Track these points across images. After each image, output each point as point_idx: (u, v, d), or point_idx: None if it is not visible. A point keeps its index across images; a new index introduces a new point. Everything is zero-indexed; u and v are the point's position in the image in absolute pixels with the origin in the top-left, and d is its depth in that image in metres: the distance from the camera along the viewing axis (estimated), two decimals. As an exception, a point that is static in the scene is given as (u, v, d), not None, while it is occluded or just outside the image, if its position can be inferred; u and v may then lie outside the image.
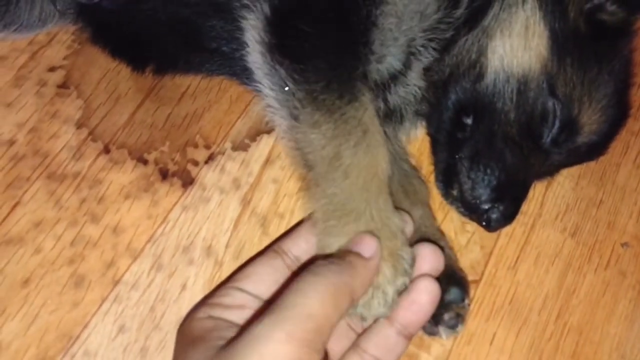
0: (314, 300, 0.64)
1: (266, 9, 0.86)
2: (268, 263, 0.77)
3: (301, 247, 0.79)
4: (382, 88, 0.92)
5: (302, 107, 0.81)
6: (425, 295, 0.74)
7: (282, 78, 0.83)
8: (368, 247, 0.72)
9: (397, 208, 0.82)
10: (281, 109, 0.84)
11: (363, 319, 0.75)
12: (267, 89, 0.86)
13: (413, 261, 0.77)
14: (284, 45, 0.84)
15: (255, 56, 0.87)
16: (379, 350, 0.73)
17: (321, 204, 0.79)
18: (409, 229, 0.82)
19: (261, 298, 0.74)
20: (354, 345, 0.75)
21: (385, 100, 0.94)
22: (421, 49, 0.91)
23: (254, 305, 0.73)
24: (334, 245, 0.76)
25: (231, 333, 0.67)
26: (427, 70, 0.93)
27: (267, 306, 0.66)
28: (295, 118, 0.82)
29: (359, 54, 0.86)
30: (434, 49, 0.91)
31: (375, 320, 0.75)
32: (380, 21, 0.86)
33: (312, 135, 0.81)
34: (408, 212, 0.85)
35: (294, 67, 0.82)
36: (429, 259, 0.77)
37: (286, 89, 0.83)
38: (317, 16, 0.84)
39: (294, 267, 0.78)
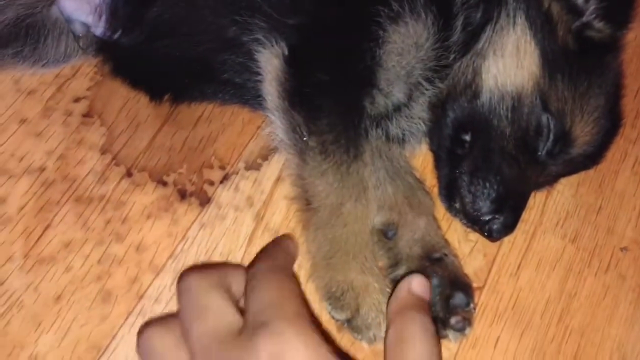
0: None
1: (284, 47, 0.92)
2: None
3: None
4: (384, 119, 0.98)
5: (313, 154, 0.89)
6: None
7: (298, 124, 0.90)
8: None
9: None
10: (292, 146, 0.92)
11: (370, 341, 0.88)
12: (279, 124, 0.93)
13: None
14: (303, 93, 0.91)
15: (272, 92, 0.93)
16: None
17: (321, 245, 0.88)
18: None
19: None
20: None
21: (387, 132, 1.00)
22: (422, 80, 0.95)
23: None
24: (338, 276, 0.87)
25: None
26: (433, 104, 0.98)
27: None
28: (304, 161, 0.90)
29: (365, 106, 0.93)
30: (439, 78, 0.95)
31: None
32: (384, 60, 0.92)
33: (318, 181, 0.89)
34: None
35: (311, 118, 0.90)
36: (418, 291, 0.86)
37: (304, 139, 0.90)
38: (332, 63, 0.91)
39: None
